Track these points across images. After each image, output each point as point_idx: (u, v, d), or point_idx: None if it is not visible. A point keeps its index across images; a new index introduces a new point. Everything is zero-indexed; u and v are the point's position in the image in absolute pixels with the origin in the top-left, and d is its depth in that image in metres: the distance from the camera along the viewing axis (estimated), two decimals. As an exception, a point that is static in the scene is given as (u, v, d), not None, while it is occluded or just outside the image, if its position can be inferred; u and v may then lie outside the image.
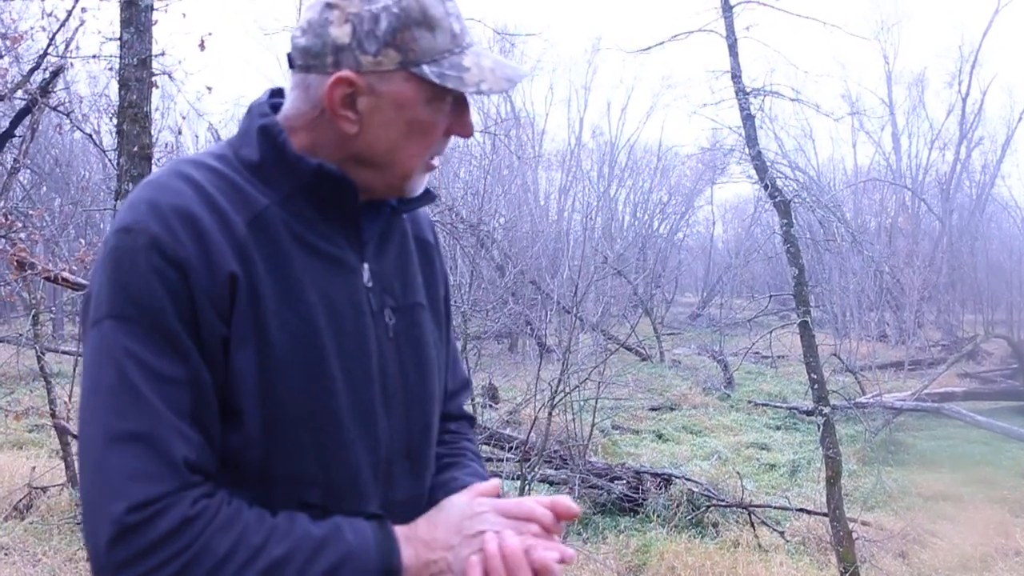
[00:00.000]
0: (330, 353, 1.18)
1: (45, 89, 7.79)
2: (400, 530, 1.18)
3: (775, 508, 7.81)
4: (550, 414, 6.27)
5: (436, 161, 1.28)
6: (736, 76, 5.95)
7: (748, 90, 6.00)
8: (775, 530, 7.24)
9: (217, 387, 1.12)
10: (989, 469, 9.92)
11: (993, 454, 10.59)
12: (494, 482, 1.28)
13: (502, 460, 7.19)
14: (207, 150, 1.26)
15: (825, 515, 6.01)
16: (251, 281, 1.13)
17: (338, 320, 1.20)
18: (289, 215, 1.19)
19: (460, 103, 1.25)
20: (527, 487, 5.73)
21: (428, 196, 1.37)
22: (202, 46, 6.14)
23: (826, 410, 5.53)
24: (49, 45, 7.96)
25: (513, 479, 6.92)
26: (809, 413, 11.54)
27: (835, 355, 14.00)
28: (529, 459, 6.17)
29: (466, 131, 1.27)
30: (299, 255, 1.19)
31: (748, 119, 5.93)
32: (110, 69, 8.10)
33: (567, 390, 6.61)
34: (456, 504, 1.23)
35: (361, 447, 1.22)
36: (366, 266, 1.27)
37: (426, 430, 1.34)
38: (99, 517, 1.04)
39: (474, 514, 1.20)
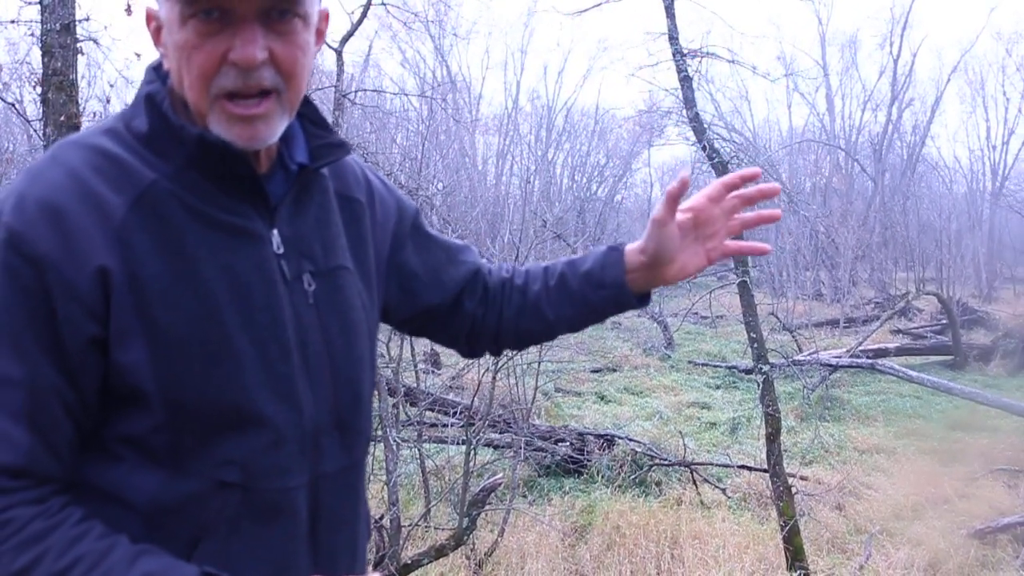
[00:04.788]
0: (234, 329, 1.11)
1: (-37, 55, 7.50)
2: None
3: (716, 466, 7.94)
4: (494, 378, 6.26)
5: (242, 108, 1.10)
6: (673, 38, 5.93)
7: (685, 52, 5.99)
8: (717, 487, 7.37)
9: (85, 386, 1.07)
10: (920, 422, 10.20)
11: (924, 407, 10.90)
12: None
13: (447, 425, 7.20)
14: (98, 124, 1.19)
15: (765, 471, 6.11)
16: (130, 269, 1.06)
17: (244, 294, 1.13)
18: (183, 188, 1.12)
19: (234, 21, 1.08)
20: (472, 452, 5.73)
21: (340, 149, 1.29)
22: (128, 11, 5.91)
23: (765, 368, 5.60)
24: (-35, 9, 7.65)
25: (458, 444, 6.93)
26: (748, 372, 11.73)
27: (772, 314, 14.21)
28: (473, 424, 6.18)
29: (234, 53, 1.07)
30: (194, 230, 1.11)
31: (685, 81, 5.92)
32: (31, 35, 7.80)
33: (511, 354, 6.61)
34: None
35: (282, 422, 1.16)
36: (275, 232, 1.19)
37: (356, 398, 1.28)
38: None
39: None
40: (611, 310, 1.50)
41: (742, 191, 1.42)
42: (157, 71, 1.19)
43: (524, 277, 1.55)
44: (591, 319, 1.53)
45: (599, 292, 1.46)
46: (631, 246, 1.45)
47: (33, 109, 9.77)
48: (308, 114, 1.27)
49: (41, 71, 3.98)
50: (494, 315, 1.54)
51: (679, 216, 1.39)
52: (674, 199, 1.35)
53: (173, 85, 1.15)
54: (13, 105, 8.75)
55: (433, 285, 1.50)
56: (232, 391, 1.11)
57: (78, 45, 4.07)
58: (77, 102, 3.94)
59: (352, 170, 1.40)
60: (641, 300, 1.48)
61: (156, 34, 1.16)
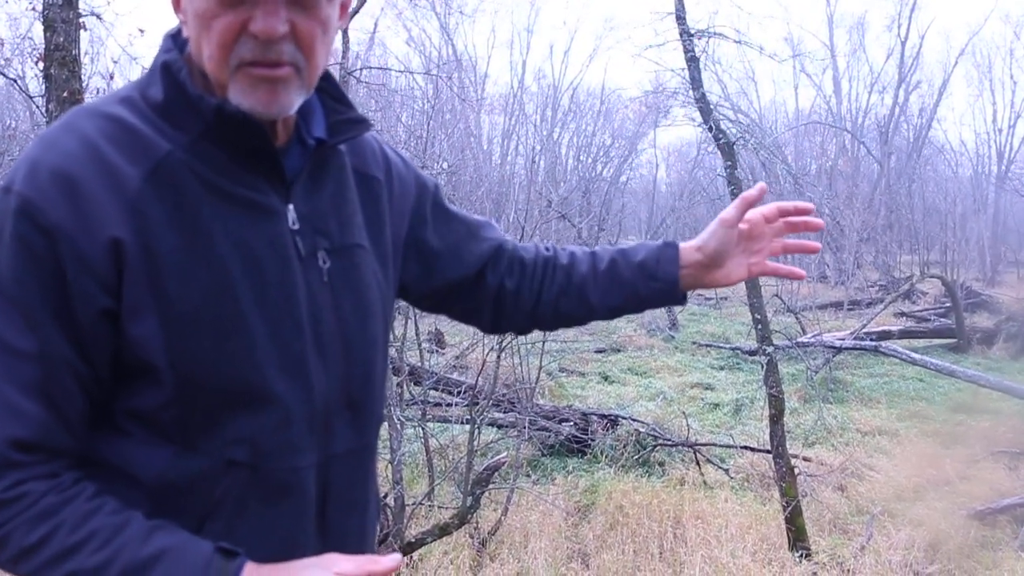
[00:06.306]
0: (247, 306, 1.09)
1: (-33, 31, 7.46)
2: (250, 570, 1.06)
3: (720, 446, 7.95)
4: (498, 358, 6.27)
5: (264, 70, 1.07)
6: (680, 17, 5.90)
7: (692, 31, 5.95)
8: (720, 467, 7.39)
9: (97, 359, 1.06)
10: (922, 404, 10.22)
11: (926, 390, 10.91)
12: (394, 557, 1.13)
13: (451, 404, 7.22)
14: (114, 92, 1.16)
15: (768, 452, 6.13)
16: (144, 241, 1.04)
17: (258, 270, 1.11)
18: (198, 159, 1.10)
19: None
20: (476, 431, 5.75)
21: (359, 125, 1.26)
22: (133, -15, 5.91)
23: (769, 350, 5.60)
24: (-33, -15, 7.60)
25: (462, 423, 6.95)
26: (752, 353, 11.75)
27: (777, 296, 14.21)
28: (477, 403, 6.19)
29: (255, 25, 1.05)
30: (209, 203, 1.09)
31: (692, 61, 5.88)
32: (33, 9, 7.78)
33: (515, 335, 6.62)
34: (308, 563, 1.10)
35: (293, 401, 1.14)
36: (291, 208, 1.17)
37: (368, 377, 1.26)
38: None
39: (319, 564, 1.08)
40: (656, 303, 1.52)
41: (792, 219, 1.47)
42: (175, 39, 1.16)
43: (569, 258, 1.54)
44: (631, 309, 1.54)
45: (650, 284, 1.48)
46: (687, 244, 1.48)
47: (35, 85, 9.73)
48: (328, 89, 1.25)
49: (43, 46, 3.95)
50: (532, 293, 1.53)
51: (740, 224, 1.44)
52: (749, 205, 1.39)
53: (191, 54, 1.13)
54: (15, 81, 8.71)
55: (454, 261, 1.48)
56: (243, 367, 1.10)
57: (81, 20, 4.04)
58: (80, 78, 3.91)
59: (371, 146, 1.37)
60: (684, 299, 1.51)
61: (177, 1, 1.13)
